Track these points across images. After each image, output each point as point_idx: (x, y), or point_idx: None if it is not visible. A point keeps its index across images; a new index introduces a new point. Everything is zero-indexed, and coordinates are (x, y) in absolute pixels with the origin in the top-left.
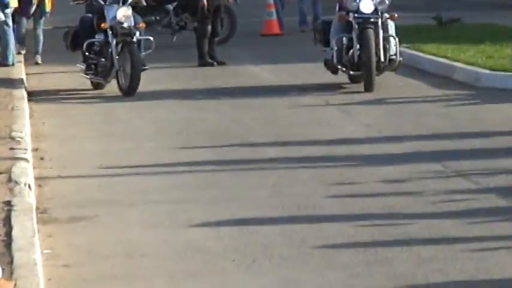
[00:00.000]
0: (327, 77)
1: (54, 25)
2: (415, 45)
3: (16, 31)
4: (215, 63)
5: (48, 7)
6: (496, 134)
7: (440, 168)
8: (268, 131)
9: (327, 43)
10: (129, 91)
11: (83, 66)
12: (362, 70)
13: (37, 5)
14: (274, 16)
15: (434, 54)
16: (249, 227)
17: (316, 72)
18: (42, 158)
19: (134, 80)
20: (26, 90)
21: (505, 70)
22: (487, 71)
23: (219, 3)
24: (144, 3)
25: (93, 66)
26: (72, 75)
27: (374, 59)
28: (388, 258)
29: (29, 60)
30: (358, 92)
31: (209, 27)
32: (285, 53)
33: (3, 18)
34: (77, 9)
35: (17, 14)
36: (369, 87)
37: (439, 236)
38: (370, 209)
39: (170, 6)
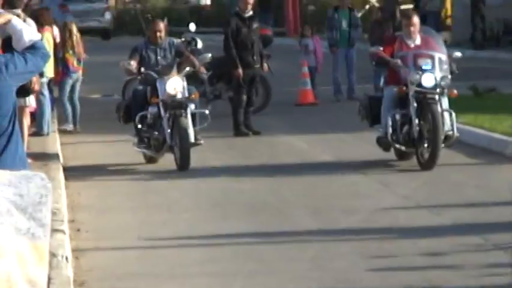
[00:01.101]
0: (363, 148)
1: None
2: None
3: (52, 101)
4: (250, 133)
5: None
6: None
7: (480, 241)
8: (306, 203)
9: (374, 120)
10: (181, 167)
11: (136, 139)
12: (419, 147)
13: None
14: (309, 85)
15: (471, 125)
16: None
17: (352, 143)
18: (78, 230)
19: (183, 156)
20: (61, 160)
21: None
22: None
23: (254, 73)
24: (205, 72)
25: (145, 139)
26: (106, 145)
27: (441, 136)
28: None
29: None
30: (395, 164)
31: (244, 97)
32: (320, 123)
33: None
34: (110, 79)
35: (53, 84)
36: (431, 165)
37: None
38: (410, 283)
39: (205, 76)
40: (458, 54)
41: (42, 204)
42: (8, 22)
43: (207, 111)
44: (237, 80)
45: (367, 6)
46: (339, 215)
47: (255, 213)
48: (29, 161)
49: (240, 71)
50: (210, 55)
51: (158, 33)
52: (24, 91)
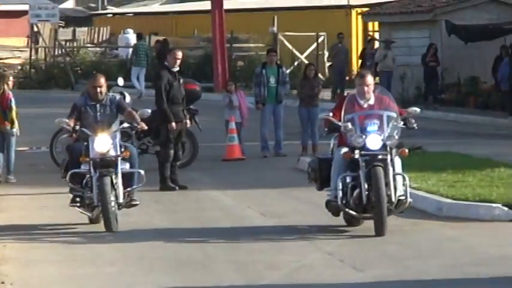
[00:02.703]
0: (288, 204)
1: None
2: None
3: None
4: (177, 187)
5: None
6: (457, 264)
7: None
8: (230, 258)
9: (323, 183)
10: (105, 228)
11: (70, 197)
12: (371, 212)
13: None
14: (236, 141)
15: None
16: None
17: (277, 198)
18: (3, 282)
19: (105, 218)
20: None
21: (466, 199)
22: (449, 200)
23: (181, 128)
24: (145, 127)
25: (77, 198)
26: (32, 198)
27: (385, 201)
28: None
29: None
30: (320, 220)
31: (172, 152)
32: (247, 178)
33: None
34: (38, 131)
35: None
36: (380, 232)
37: None
38: None
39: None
40: (416, 109)
41: None
42: None
43: (142, 171)
44: (166, 134)
45: (296, 63)
46: (262, 270)
47: (180, 267)
48: None
49: (174, 124)
50: (149, 110)
51: (98, 89)
52: None
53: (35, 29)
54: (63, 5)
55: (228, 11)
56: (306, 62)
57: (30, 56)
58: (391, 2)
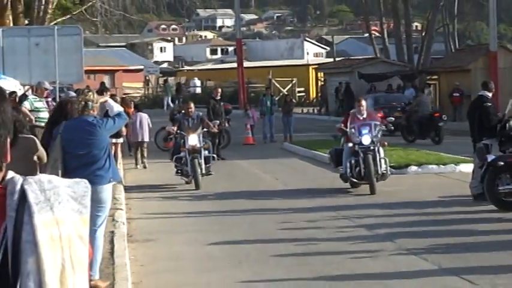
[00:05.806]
0: (278, 167)
1: None
2: None
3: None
4: (220, 159)
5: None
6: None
7: (335, 214)
8: (246, 192)
9: (338, 163)
10: (196, 187)
11: (175, 170)
12: (366, 180)
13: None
14: (250, 134)
15: None
16: (238, 244)
17: (272, 164)
18: (130, 208)
19: (196, 181)
20: (122, 173)
21: None
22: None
23: (221, 128)
24: (216, 130)
25: (179, 171)
26: (149, 166)
27: (373, 174)
28: (307, 258)
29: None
30: (293, 175)
31: (216, 140)
32: (255, 154)
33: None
34: (152, 130)
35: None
36: (373, 191)
37: (334, 250)
38: (298, 235)
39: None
40: (392, 118)
41: (86, 196)
42: (106, 101)
43: (215, 155)
44: (213, 132)
45: (281, 94)
46: (263, 200)
47: (214, 200)
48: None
49: (217, 126)
50: (218, 122)
51: (190, 109)
52: (117, 135)
53: (147, 78)
54: (161, 66)
55: (246, 67)
56: (286, 93)
57: (144, 92)
58: (330, 62)
